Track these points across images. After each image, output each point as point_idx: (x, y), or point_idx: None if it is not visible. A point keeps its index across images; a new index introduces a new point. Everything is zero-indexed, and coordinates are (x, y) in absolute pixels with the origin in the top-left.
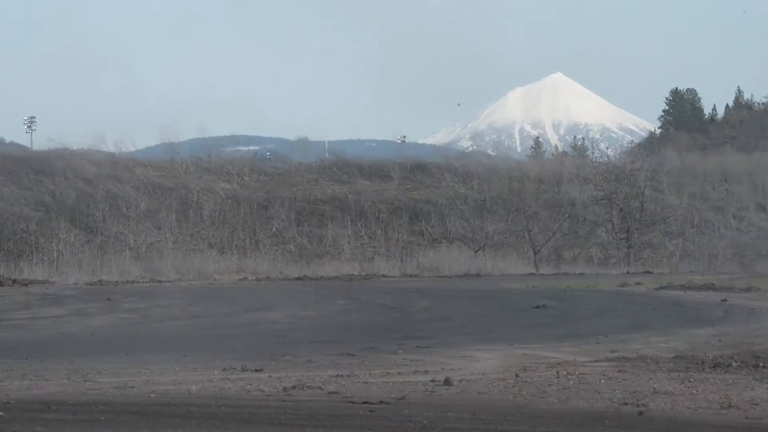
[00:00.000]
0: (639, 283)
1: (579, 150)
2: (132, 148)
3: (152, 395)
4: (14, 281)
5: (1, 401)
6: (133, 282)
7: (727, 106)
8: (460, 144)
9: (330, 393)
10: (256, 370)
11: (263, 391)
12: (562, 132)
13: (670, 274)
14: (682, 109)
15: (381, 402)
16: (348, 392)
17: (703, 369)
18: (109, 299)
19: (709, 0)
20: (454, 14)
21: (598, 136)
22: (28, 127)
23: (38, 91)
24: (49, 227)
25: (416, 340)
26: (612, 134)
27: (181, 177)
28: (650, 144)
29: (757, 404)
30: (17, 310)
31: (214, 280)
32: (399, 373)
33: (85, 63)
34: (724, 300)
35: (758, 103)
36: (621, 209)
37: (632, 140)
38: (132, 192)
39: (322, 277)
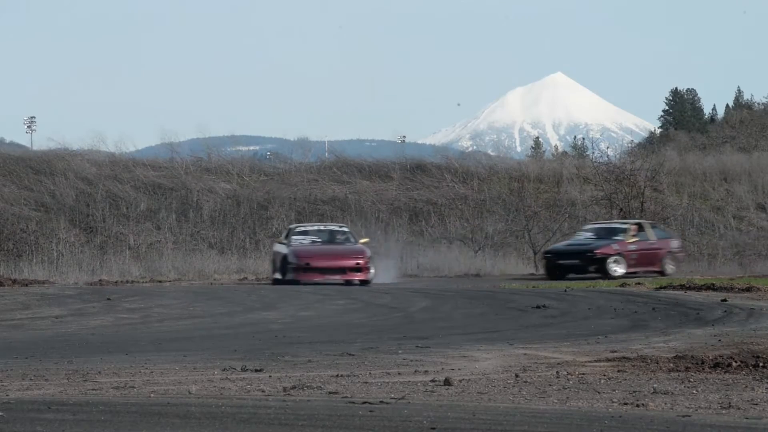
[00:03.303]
0: (639, 283)
1: (579, 150)
2: (132, 148)
3: (152, 395)
4: (14, 281)
5: (1, 401)
6: (133, 282)
7: (727, 106)
8: (460, 144)
9: (330, 393)
10: (256, 370)
11: (263, 391)
12: (562, 132)
13: None
14: (682, 109)
15: (381, 402)
16: (348, 392)
17: (703, 369)
18: (109, 299)
19: (709, 0)
20: (453, 14)
21: (598, 136)
22: (28, 127)
23: (38, 91)
24: (49, 227)
25: (416, 340)
26: (612, 134)
27: (181, 177)
28: (650, 144)
29: (757, 404)
30: (17, 310)
31: (214, 280)
32: (399, 373)
33: (85, 63)
34: (724, 300)
35: (758, 103)
36: (621, 209)
37: (632, 140)
38: (132, 192)
39: None
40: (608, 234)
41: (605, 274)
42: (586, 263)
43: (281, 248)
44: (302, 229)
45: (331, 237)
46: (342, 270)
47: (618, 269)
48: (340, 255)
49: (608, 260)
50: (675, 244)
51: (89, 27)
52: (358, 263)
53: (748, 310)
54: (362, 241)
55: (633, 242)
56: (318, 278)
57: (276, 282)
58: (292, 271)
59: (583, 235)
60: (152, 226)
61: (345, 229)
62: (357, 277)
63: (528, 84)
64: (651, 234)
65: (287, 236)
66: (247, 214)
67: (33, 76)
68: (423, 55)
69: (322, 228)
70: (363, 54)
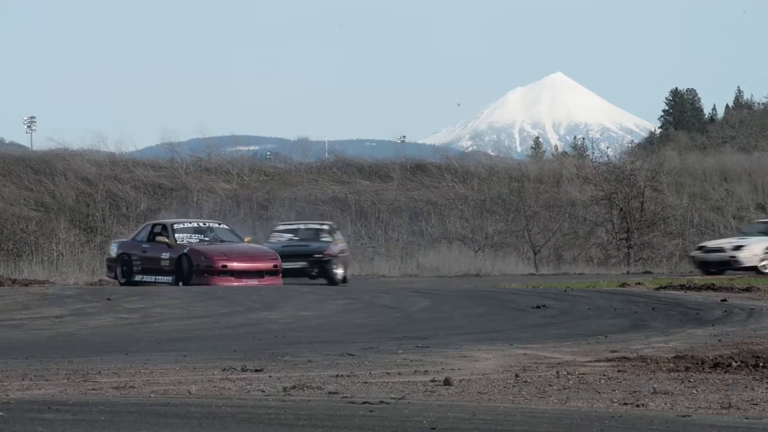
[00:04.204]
0: (639, 283)
1: (579, 150)
2: (132, 148)
3: (152, 395)
4: (14, 281)
5: (1, 401)
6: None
7: (727, 106)
8: (460, 144)
9: (330, 393)
10: (256, 370)
11: (263, 391)
12: (562, 132)
13: (670, 274)
14: (682, 109)
15: (381, 402)
16: (348, 392)
17: (703, 369)
18: (109, 299)
19: (709, 0)
20: (453, 13)
21: (598, 136)
22: (28, 127)
23: (38, 91)
24: (49, 227)
25: (416, 340)
26: (612, 134)
27: (181, 177)
28: (650, 144)
29: (756, 404)
30: (17, 310)
31: None
32: (399, 373)
33: (85, 63)
34: (724, 300)
35: (758, 103)
36: (621, 209)
37: (632, 140)
38: (132, 192)
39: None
40: (312, 235)
41: (329, 278)
42: (312, 266)
43: (156, 249)
44: (182, 225)
45: (217, 235)
46: (260, 273)
47: (339, 272)
48: (255, 257)
49: (332, 262)
50: (345, 246)
51: (89, 26)
52: (275, 266)
53: (748, 310)
54: (246, 239)
55: (338, 243)
56: (234, 282)
57: (126, 283)
58: (201, 274)
59: (285, 236)
60: None
61: (225, 226)
62: (272, 281)
63: (528, 84)
64: (339, 236)
65: (159, 233)
66: (247, 214)
67: (33, 76)
68: (423, 54)
69: (202, 225)
70: (363, 54)
